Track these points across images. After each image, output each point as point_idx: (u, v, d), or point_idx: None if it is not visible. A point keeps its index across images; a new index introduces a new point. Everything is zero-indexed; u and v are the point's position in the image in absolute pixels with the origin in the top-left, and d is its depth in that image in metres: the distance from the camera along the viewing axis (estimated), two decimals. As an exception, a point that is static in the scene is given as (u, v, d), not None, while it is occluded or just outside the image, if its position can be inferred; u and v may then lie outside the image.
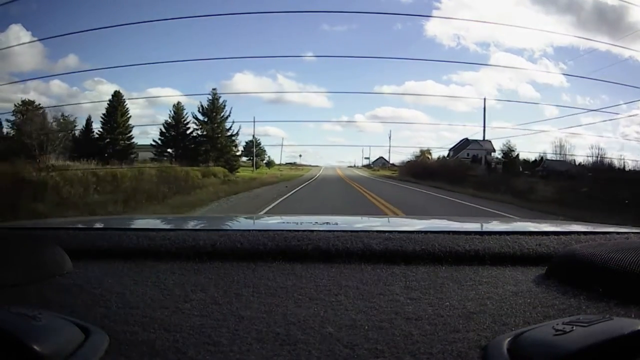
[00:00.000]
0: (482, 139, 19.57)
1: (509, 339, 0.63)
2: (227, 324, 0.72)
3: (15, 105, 15.63)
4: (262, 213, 10.54)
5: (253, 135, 17.73)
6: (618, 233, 1.29)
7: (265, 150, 19.73)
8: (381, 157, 28.63)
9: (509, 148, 18.14)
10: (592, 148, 19.35)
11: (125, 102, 14.76)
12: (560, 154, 19.50)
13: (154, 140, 15.17)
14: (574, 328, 0.58)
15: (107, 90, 26.65)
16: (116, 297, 0.83)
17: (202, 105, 14.84)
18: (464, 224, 1.79)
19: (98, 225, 1.55)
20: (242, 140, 17.92)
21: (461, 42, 32.34)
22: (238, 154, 16.37)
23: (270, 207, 12.20)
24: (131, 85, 40.58)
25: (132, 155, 15.65)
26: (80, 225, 1.35)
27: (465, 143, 19.83)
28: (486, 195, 15.47)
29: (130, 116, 15.11)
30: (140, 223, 1.64)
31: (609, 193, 13.67)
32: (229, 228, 1.24)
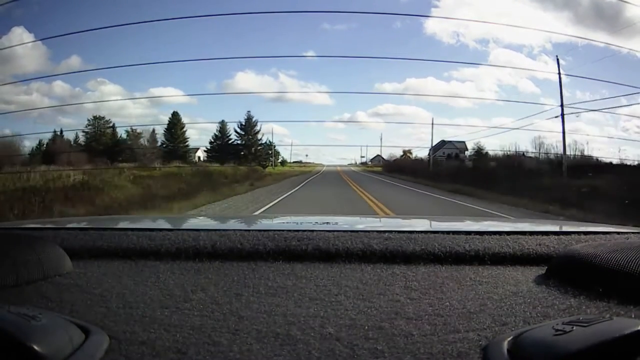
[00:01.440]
0: (430, 147, 25.33)
1: (509, 339, 0.63)
2: (227, 324, 0.72)
3: (88, 120, 21.26)
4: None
5: (272, 141, 24.06)
6: (618, 233, 1.29)
7: (279, 152, 26.17)
8: (378, 155, 32.94)
9: (478, 147, 23.19)
10: (570, 145, 22.45)
11: (182, 119, 20.99)
12: (538, 150, 22.36)
13: (206, 148, 22.07)
14: (574, 328, 0.58)
15: (109, 90, 27.35)
16: (116, 297, 0.82)
17: (240, 123, 21.97)
18: (464, 224, 1.79)
19: (98, 225, 1.55)
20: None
21: (460, 39, 32.51)
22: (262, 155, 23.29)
23: (309, 179, 21.20)
24: (133, 85, 40.56)
25: (190, 158, 22.20)
26: (80, 225, 1.35)
27: (442, 143, 24.59)
28: (421, 181, 22.19)
29: (186, 130, 21.56)
30: (140, 223, 1.64)
31: (521, 178, 17.64)
32: (229, 228, 1.24)
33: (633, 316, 0.71)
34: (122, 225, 1.54)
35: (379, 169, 30.49)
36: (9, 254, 0.88)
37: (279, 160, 26.23)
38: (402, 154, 28.54)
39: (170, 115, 22.61)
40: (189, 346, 0.64)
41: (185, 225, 1.62)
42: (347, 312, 0.77)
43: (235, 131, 22.31)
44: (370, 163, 33.63)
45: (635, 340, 0.55)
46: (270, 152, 24.12)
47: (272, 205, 13.64)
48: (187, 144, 22.11)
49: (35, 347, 0.55)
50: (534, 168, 19.69)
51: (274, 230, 1.19)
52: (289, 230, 1.17)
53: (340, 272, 0.98)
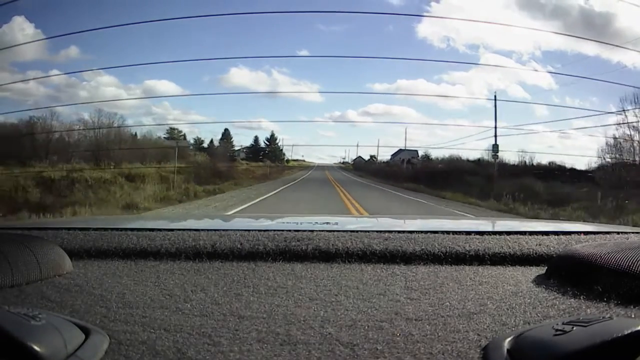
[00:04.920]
0: (377, 152, 35.79)
1: (509, 339, 0.63)
2: (227, 324, 0.72)
3: (166, 130, 29.87)
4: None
5: (282, 147, 34.53)
6: (618, 233, 1.29)
7: (285, 153, 36.37)
8: (360, 157, 40.00)
9: (426, 154, 30.61)
10: (519, 150, 27.96)
11: (230, 133, 32.24)
12: (493, 154, 24.79)
13: (245, 152, 33.35)
14: (574, 328, 0.58)
15: (105, 81, 29.75)
16: (116, 297, 0.82)
17: (268, 137, 33.83)
18: (464, 224, 1.79)
19: (98, 225, 1.55)
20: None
21: (451, 44, 33.21)
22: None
23: (310, 170, 34.71)
24: (129, 76, 40.80)
25: (236, 157, 32.33)
26: (80, 225, 1.35)
27: (399, 151, 32.61)
28: (363, 174, 32.79)
29: (233, 140, 32.76)
30: (140, 223, 1.64)
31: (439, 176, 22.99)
32: (229, 228, 1.24)
33: (633, 316, 0.71)
34: (122, 225, 1.54)
35: (351, 167, 40.67)
36: (9, 254, 0.88)
37: (285, 159, 36.48)
38: (369, 157, 38.22)
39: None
40: (189, 346, 0.64)
41: (185, 225, 1.62)
42: (347, 312, 0.77)
43: (264, 142, 35.70)
44: (350, 162, 40.87)
45: (635, 340, 0.54)
46: (282, 153, 36.42)
47: (310, 173, 30.38)
48: (234, 148, 33.55)
49: (35, 347, 0.55)
50: (459, 169, 24.30)
51: (274, 230, 1.19)
52: (289, 230, 1.18)
53: (340, 272, 0.98)
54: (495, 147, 22.13)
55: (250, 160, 32.36)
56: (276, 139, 35.17)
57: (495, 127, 21.79)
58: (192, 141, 30.62)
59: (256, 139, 35.05)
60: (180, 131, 30.02)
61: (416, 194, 19.50)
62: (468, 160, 26.03)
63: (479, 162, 24.52)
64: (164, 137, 28.93)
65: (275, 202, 14.49)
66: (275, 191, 18.22)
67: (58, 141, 20.48)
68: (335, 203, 14.27)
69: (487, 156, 24.55)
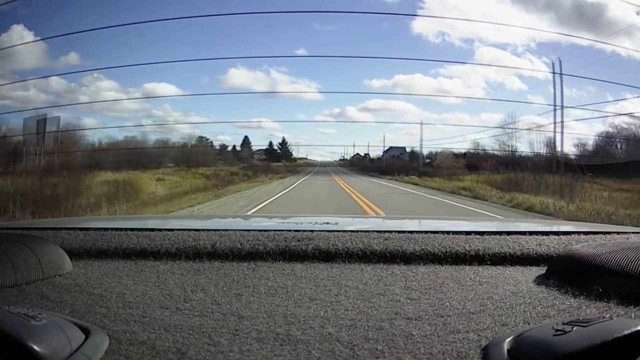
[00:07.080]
0: (367, 150, 39.29)
1: (509, 339, 0.63)
2: (227, 324, 0.72)
3: (196, 138, 32.60)
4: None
5: (291, 149, 37.50)
6: (618, 233, 1.29)
7: (292, 153, 39.74)
8: (357, 154, 42.08)
9: (412, 150, 33.87)
10: (501, 144, 28.69)
11: (249, 139, 36.26)
12: (476, 149, 28.58)
13: (262, 155, 36.26)
14: (574, 328, 0.58)
15: (105, 86, 29.87)
16: (116, 297, 0.83)
17: (279, 143, 37.02)
18: (464, 224, 1.79)
19: (98, 225, 1.55)
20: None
21: (446, 39, 33.42)
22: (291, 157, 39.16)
23: (316, 167, 37.01)
24: (129, 80, 41.18)
25: (253, 158, 35.80)
26: (80, 225, 1.35)
27: (390, 148, 36.08)
28: (354, 169, 37.21)
29: (252, 144, 36.72)
30: (140, 223, 1.63)
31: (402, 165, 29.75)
32: (229, 228, 1.24)
33: (633, 316, 0.71)
34: (122, 225, 1.53)
35: (348, 164, 44.33)
36: (9, 254, 0.88)
37: (293, 158, 40.13)
38: (363, 154, 41.19)
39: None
40: (189, 346, 0.64)
41: (185, 225, 1.62)
42: (347, 312, 0.77)
43: (277, 145, 39.45)
44: (348, 159, 43.43)
45: (635, 340, 0.54)
46: (291, 153, 40.02)
47: (316, 168, 35.08)
48: (254, 150, 37.34)
49: (35, 347, 0.55)
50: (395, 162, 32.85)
51: (274, 230, 1.19)
52: (289, 230, 1.18)
53: (340, 272, 0.98)
54: (406, 152, 32.62)
55: (267, 161, 36.16)
56: (287, 143, 39.40)
57: (421, 141, 29.47)
58: (218, 147, 34.51)
59: (270, 143, 39.31)
60: (208, 139, 34.11)
61: (367, 177, 29.54)
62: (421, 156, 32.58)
63: (412, 156, 33.48)
64: (194, 145, 32.70)
65: (313, 177, 27.51)
66: (307, 176, 29.45)
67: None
68: (328, 177, 25.96)
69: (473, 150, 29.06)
